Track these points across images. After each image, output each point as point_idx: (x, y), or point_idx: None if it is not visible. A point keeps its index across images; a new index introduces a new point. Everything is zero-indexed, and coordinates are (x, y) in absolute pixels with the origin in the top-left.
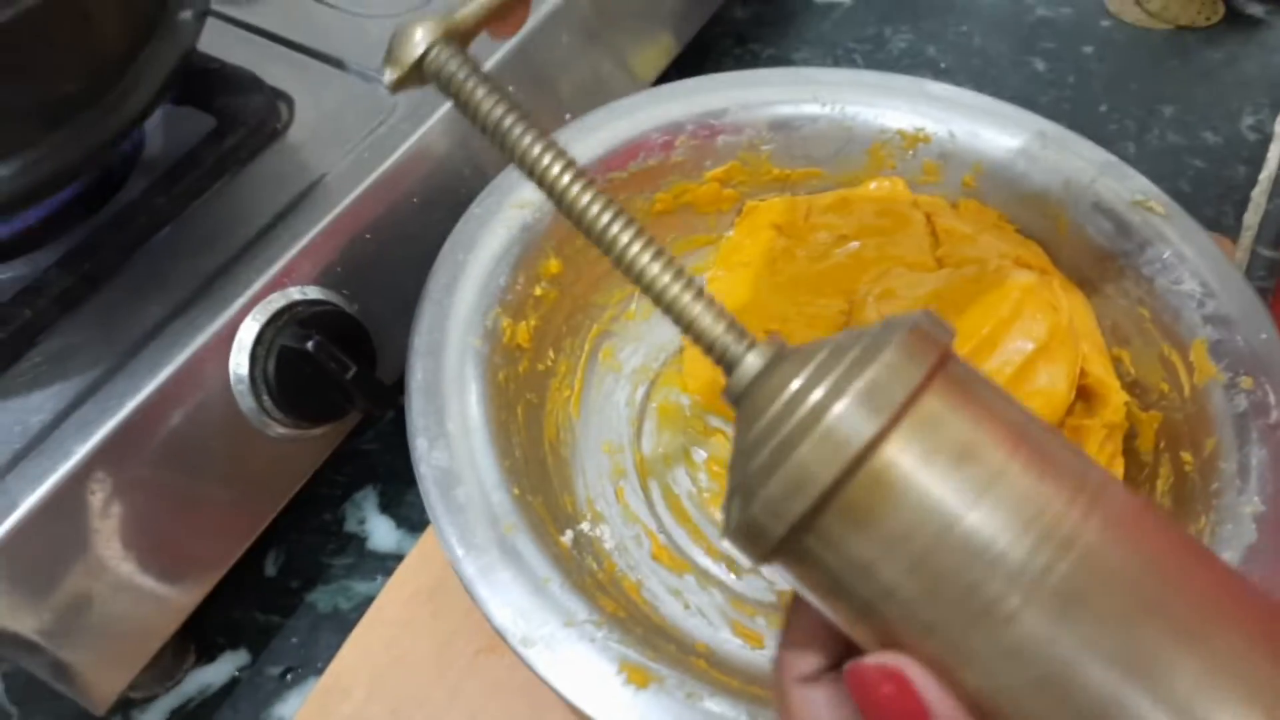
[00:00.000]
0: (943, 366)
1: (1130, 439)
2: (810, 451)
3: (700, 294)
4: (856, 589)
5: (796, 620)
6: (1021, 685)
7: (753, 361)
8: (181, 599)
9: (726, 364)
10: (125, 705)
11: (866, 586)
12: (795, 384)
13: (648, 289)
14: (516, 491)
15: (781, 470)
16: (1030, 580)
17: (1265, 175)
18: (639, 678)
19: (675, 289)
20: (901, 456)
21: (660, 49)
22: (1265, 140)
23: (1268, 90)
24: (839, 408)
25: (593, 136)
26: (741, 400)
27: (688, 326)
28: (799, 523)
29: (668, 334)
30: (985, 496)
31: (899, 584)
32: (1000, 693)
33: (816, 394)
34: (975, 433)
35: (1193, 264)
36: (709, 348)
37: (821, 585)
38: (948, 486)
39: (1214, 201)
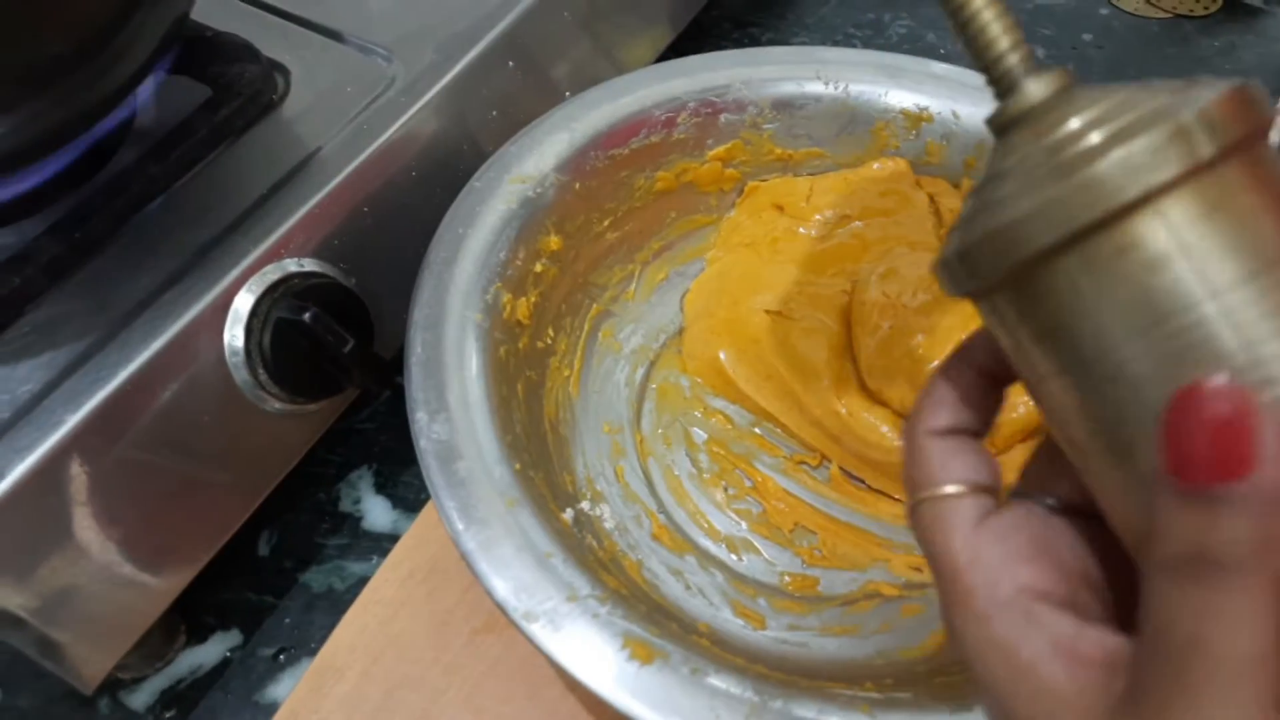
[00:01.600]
0: (1252, 141)
1: None
2: (1090, 179)
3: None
4: (1075, 344)
5: (947, 380)
6: None
7: (1035, 89)
8: (171, 578)
9: (1005, 82)
10: (114, 685)
11: (1086, 345)
12: (1081, 119)
13: None
14: (518, 467)
15: (1048, 192)
16: None
17: None
18: (643, 653)
19: None
20: (1176, 216)
21: (658, 31)
22: None
23: (1266, 79)
24: (1130, 148)
25: (594, 112)
26: (1010, 127)
27: (969, 27)
28: (1052, 248)
29: (667, 315)
30: (1254, 281)
31: (1126, 351)
32: None
33: (1102, 131)
34: (1261, 218)
35: None
36: (989, 58)
37: (1037, 331)
38: (1219, 261)
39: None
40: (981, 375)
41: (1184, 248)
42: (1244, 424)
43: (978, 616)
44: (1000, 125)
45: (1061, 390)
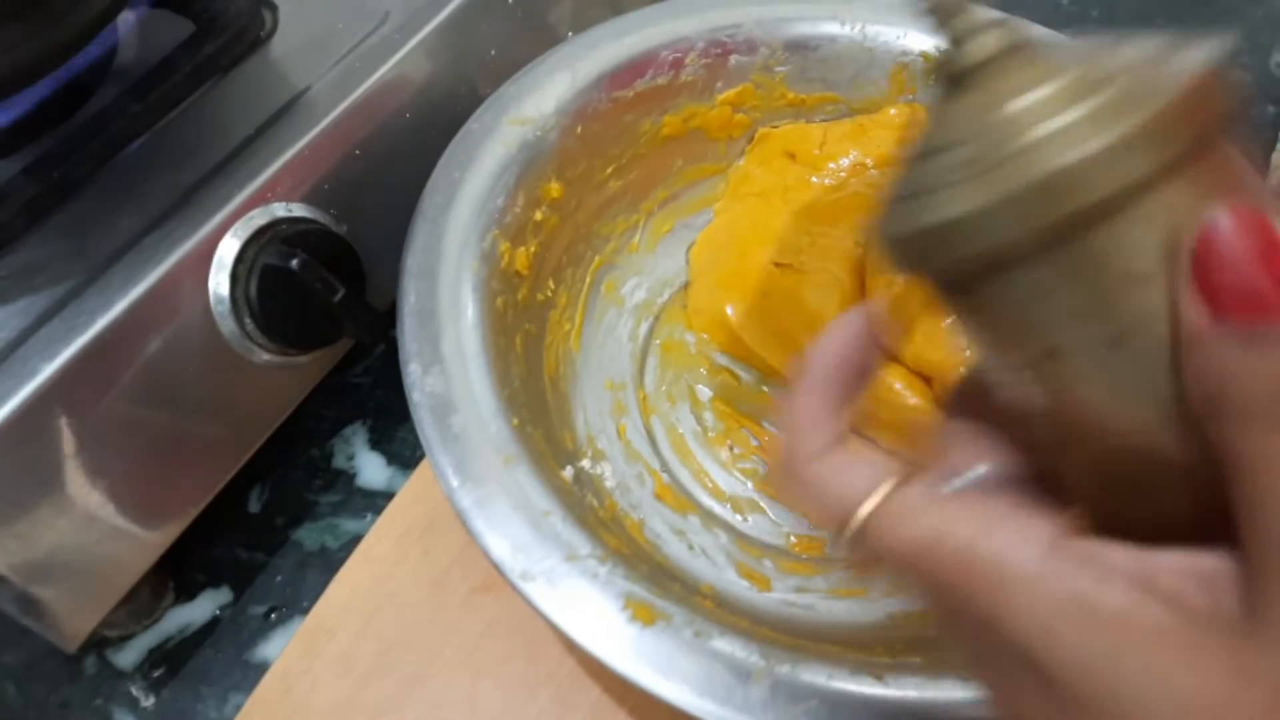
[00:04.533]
0: (1215, 137)
1: None
2: (1051, 176)
3: None
4: (1042, 335)
5: (807, 402)
6: None
7: (987, 42)
8: (157, 533)
9: (952, 31)
10: (101, 644)
11: (1055, 334)
12: (1041, 94)
13: None
14: (515, 422)
15: (1001, 187)
16: None
17: None
18: (645, 615)
19: None
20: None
21: None
22: None
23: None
24: (1099, 140)
25: (597, 51)
26: (959, 81)
27: None
28: (1012, 255)
29: (672, 268)
30: None
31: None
32: None
33: (1065, 115)
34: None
35: None
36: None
37: (1001, 325)
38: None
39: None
40: (843, 369)
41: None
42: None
43: (1026, 579)
44: (948, 76)
45: (1038, 376)
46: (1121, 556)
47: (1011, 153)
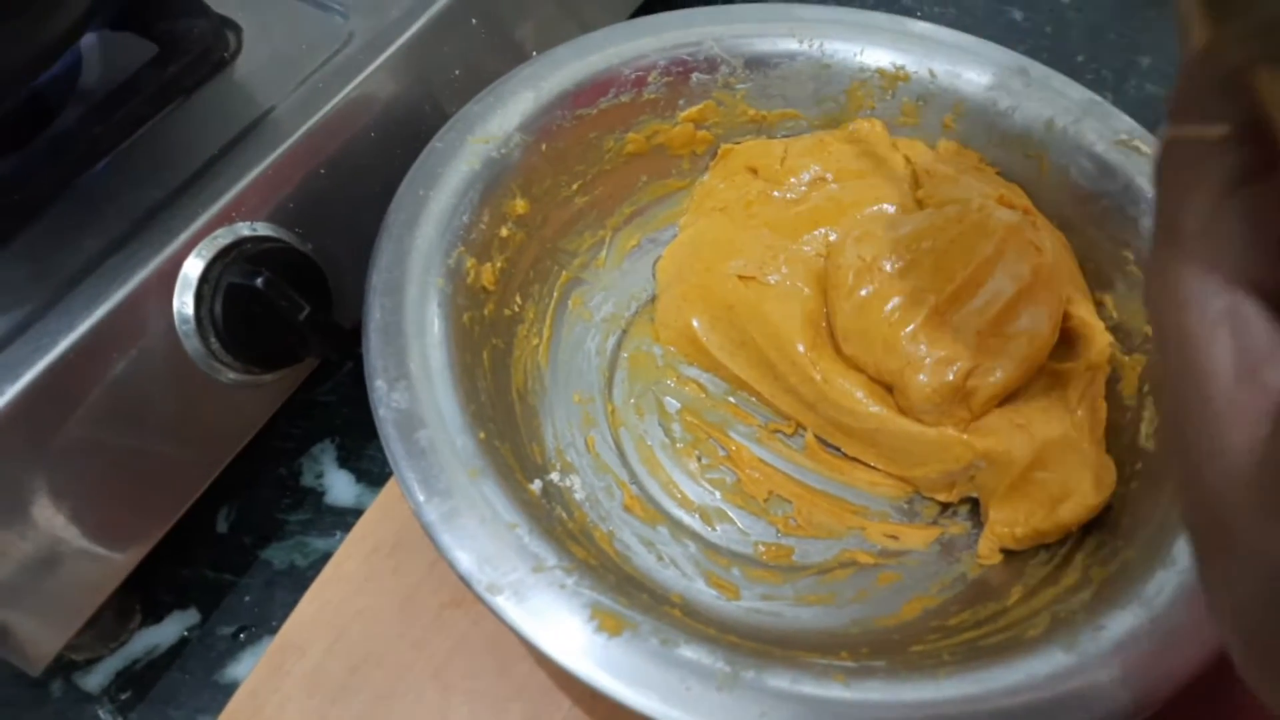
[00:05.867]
0: None
1: (1113, 383)
2: None
3: None
4: None
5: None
6: None
7: None
8: (124, 555)
9: None
10: (67, 667)
11: None
12: None
13: None
14: (482, 436)
15: None
16: None
17: None
18: (612, 625)
19: None
20: None
21: None
22: None
23: None
24: None
25: (561, 70)
26: None
27: None
28: None
29: (639, 282)
30: None
31: None
32: None
33: None
34: None
35: None
36: None
37: None
38: None
39: None
40: None
41: None
42: None
43: (1180, 302)
44: None
45: None
46: (1259, 327)
47: None
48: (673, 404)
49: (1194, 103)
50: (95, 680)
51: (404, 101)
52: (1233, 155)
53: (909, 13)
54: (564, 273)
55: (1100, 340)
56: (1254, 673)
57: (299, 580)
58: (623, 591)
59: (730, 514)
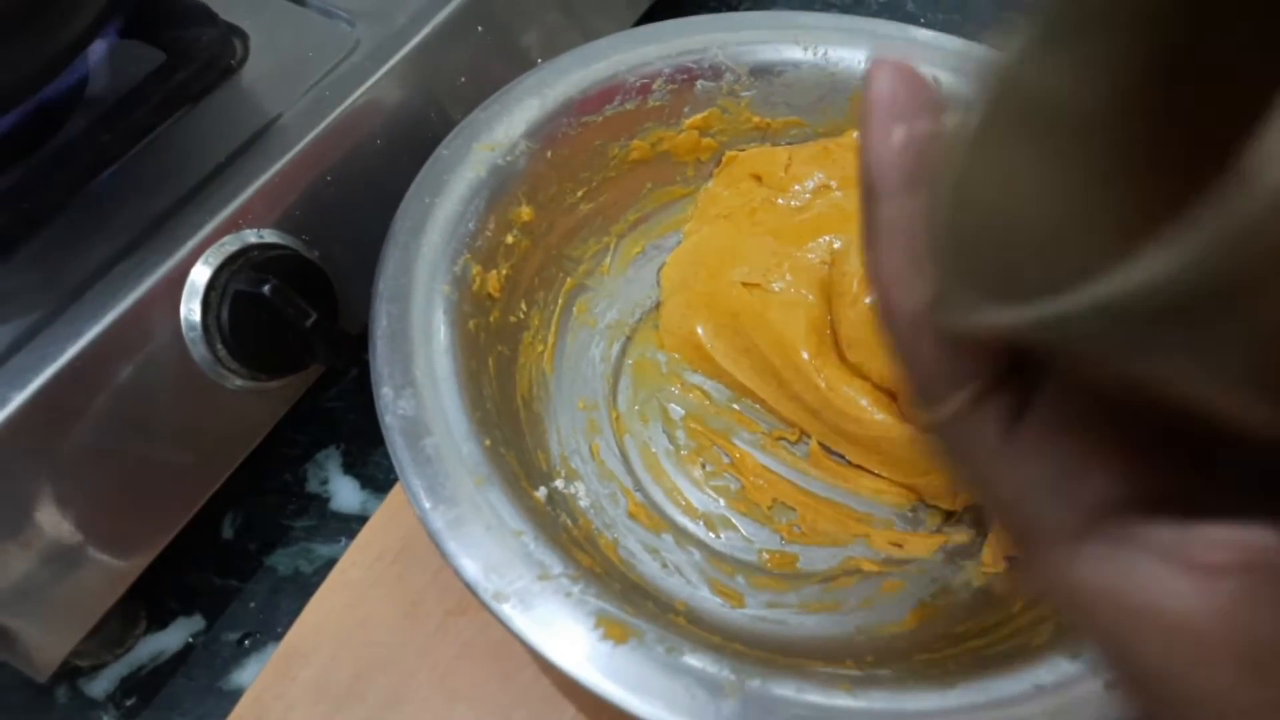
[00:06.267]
0: None
1: None
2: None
3: None
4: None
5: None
6: None
7: None
8: (129, 561)
9: None
10: (72, 673)
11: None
12: None
13: None
14: (488, 443)
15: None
16: None
17: None
18: (617, 633)
19: None
20: None
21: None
22: None
23: None
24: None
25: (566, 77)
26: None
27: None
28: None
29: (643, 290)
30: None
31: None
32: None
33: None
34: None
35: None
36: None
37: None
38: None
39: None
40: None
41: None
42: None
43: (1062, 562)
44: None
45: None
46: (1156, 530)
47: None
48: (677, 411)
49: (933, 379)
50: (100, 686)
51: (410, 109)
52: (997, 413)
53: (913, 19)
54: (569, 279)
55: None
56: None
57: (304, 587)
58: (627, 599)
59: (734, 521)
